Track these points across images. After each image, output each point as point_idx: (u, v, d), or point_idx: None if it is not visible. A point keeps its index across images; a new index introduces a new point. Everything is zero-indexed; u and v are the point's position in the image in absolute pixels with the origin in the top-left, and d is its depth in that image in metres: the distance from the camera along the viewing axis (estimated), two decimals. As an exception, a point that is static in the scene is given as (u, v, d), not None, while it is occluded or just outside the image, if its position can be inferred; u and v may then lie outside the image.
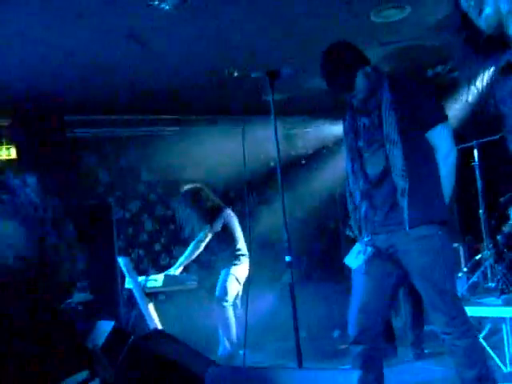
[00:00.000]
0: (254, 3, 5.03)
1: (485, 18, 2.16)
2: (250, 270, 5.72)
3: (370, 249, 3.34)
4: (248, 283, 5.37)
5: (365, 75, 3.32)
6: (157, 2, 4.66)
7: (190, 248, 5.97)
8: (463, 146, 5.84)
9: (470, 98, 2.20)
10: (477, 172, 5.96)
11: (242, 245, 6.11)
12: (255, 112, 6.14)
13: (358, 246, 3.41)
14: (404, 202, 3.19)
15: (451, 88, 6.37)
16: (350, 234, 4.29)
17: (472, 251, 6.83)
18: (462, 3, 2.20)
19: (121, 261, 5.62)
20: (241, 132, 3.64)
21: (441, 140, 3.30)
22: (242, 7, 5.05)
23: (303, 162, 8.79)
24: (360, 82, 3.32)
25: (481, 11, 2.15)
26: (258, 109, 5.26)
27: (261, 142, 5.80)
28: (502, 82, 2.26)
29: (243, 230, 6.14)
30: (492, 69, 2.25)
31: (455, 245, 6.59)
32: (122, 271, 5.78)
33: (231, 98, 7.44)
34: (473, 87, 2.19)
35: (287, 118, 8.22)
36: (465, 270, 5.93)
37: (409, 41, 6.26)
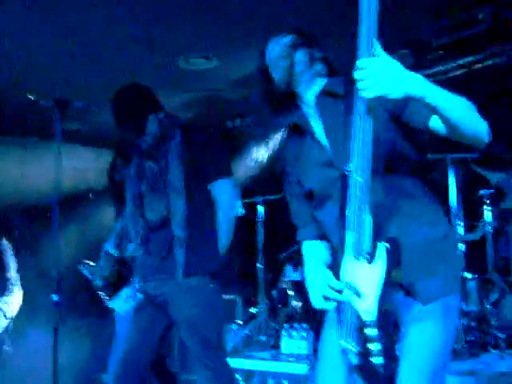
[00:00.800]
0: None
1: (280, 78, 2.23)
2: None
3: (139, 295, 3.25)
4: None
5: (156, 121, 3.28)
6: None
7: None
8: (248, 200, 6.02)
9: (262, 155, 2.25)
10: (260, 227, 6.13)
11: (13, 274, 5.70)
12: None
13: (127, 291, 3.32)
14: (179, 252, 3.16)
15: (246, 142, 6.57)
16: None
17: (249, 304, 6.95)
18: (267, 60, 2.25)
19: None
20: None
21: (222, 193, 3.33)
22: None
23: (91, 196, 8.51)
24: (151, 126, 3.27)
25: (280, 69, 2.21)
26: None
27: (47, 170, 5.52)
28: (288, 141, 2.34)
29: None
30: (283, 128, 2.32)
31: (232, 296, 6.67)
32: None
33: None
34: (264, 144, 2.26)
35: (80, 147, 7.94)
36: (239, 322, 6.01)
37: (213, 91, 6.39)
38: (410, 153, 2.12)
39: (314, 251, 2.33)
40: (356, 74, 1.78)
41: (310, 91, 2.22)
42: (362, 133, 1.84)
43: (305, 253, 2.38)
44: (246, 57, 5.29)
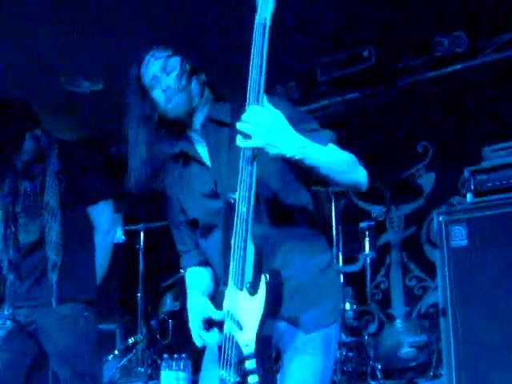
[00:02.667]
0: None
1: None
2: None
3: (9, 323, 3.07)
4: None
5: (33, 138, 3.13)
6: None
7: None
8: (130, 227, 5.90)
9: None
10: (140, 255, 6.01)
11: None
12: None
13: None
14: (53, 278, 3.01)
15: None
16: None
17: (128, 334, 6.78)
18: (148, 81, 2.16)
19: None
20: None
21: (101, 218, 3.22)
22: None
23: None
24: (27, 144, 3.11)
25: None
26: None
27: None
28: (172, 169, 2.26)
29: None
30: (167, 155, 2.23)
31: (112, 326, 6.49)
32: None
33: None
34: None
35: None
36: (116, 352, 5.82)
37: (98, 114, 6.27)
38: (298, 186, 2.13)
39: (196, 278, 2.28)
40: (238, 125, 1.80)
41: (197, 117, 2.17)
42: (248, 174, 1.84)
43: (187, 280, 2.32)
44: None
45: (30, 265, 3.11)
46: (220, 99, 2.20)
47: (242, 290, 1.87)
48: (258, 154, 1.84)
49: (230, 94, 2.17)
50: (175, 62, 2.15)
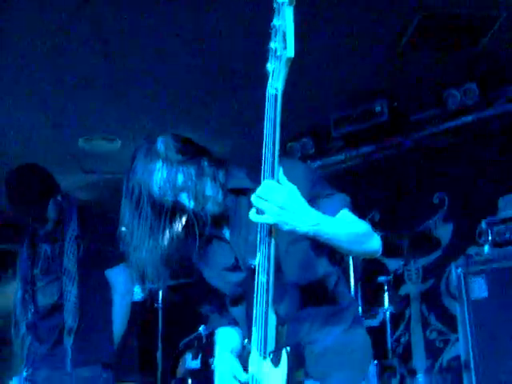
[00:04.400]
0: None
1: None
2: None
3: None
4: None
5: (55, 204, 3.17)
6: None
7: None
8: (149, 285, 5.86)
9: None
10: (160, 313, 5.98)
11: None
12: None
13: (15, 380, 3.14)
14: (69, 342, 3.02)
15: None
16: None
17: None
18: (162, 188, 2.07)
19: None
20: None
21: (119, 280, 3.25)
22: None
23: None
24: (51, 212, 3.16)
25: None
26: None
27: None
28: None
29: None
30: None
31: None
32: None
33: None
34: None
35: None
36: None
37: (115, 174, 6.32)
38: (319, 254, 2.13)
39: (225, 338, 2.29)
40: (253, 199, 1.78)
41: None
42: (267, 245, 1.81)
43: (217, 339, 2.33)
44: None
45: (48, 327, 3.14)
46: (226, 165, 2.17)
47: (265, 358, 1.87)
48: (274, 229, 1.82)
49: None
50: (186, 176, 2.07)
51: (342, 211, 1.99)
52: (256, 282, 1.83)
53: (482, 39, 4.43)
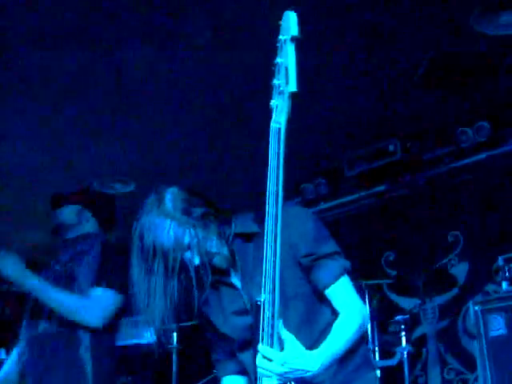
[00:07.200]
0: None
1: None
2: None
3: None
4: None
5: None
6: None
7: None
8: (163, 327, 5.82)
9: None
10: (174, 355, 5.94)
11: None
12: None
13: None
14: None
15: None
16: None
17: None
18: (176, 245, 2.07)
19: None
20: None
21: None
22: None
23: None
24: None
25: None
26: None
27: None
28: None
29: None
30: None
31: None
32: None
33: None
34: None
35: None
36: None
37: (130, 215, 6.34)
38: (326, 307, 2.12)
39: None
40: (258, 361, 1.79)
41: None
42: (271, 282, 1.79)
43: None
44: (164, 181, 5.33)
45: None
46: (232, 217, 2.17)
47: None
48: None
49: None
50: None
51: (340, 280, 2.03)
52: (262, 317, 1.81)
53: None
